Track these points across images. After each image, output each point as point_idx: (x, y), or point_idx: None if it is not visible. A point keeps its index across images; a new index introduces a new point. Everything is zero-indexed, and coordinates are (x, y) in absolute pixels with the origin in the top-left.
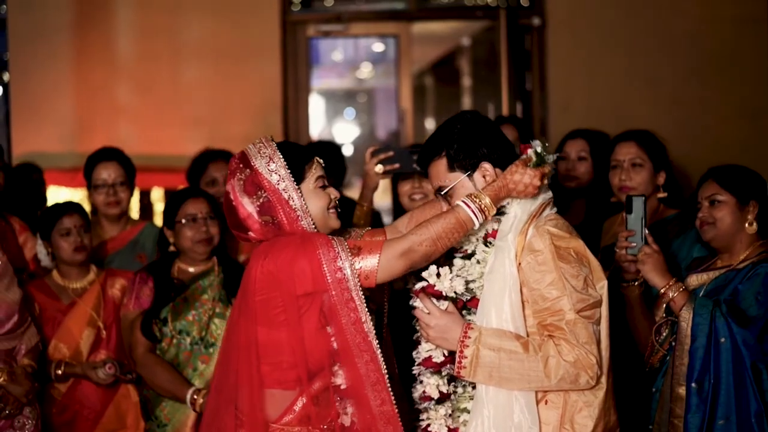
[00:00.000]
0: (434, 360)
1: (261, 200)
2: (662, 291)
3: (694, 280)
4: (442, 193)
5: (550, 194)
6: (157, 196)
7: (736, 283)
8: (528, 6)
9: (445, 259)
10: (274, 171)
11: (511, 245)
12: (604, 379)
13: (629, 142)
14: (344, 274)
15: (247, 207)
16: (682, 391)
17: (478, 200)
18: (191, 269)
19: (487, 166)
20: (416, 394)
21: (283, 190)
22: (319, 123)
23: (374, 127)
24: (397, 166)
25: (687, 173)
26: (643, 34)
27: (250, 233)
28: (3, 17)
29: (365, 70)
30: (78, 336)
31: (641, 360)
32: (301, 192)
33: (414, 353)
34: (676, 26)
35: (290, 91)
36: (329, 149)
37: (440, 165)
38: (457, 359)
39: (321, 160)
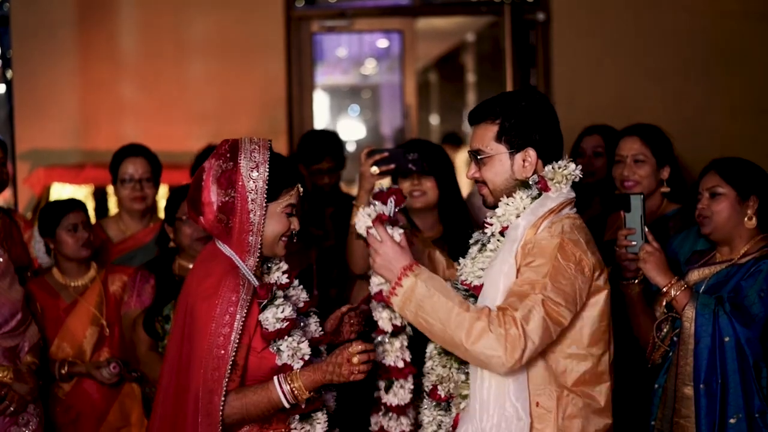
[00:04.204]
0: (384, 294)
1: (227, 198)
2: (664, 289)
3: (695, 275)
4: (478, 157)
5: (572, 194)
6: (162, 193)
7: (738, 278)
8: (532, 1)
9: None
10: (254, 180)
11: (519, 236)
12: (605, 382)
13: (633, 137)
14: (226, 352)
15: (212, 196)
16: (688, 390)
17: (292, 383)
18: (191, 266)
19: (531, 152)
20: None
21: (252, 200)
22: (323, 119)
23: (379, 123)
24: (392, 166)
25: (692, 169)
26: (648, 29)
27: (202, 219)
28: (6, 14)
29: (369, 66)
30: (81, 335)
31: (641, 357)
32: (266, 210)
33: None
34: (681, 21)
35: (294, 88)
36: (330, 138)
37: (489, 130)
38: (392, 286)
39: (302, 189)
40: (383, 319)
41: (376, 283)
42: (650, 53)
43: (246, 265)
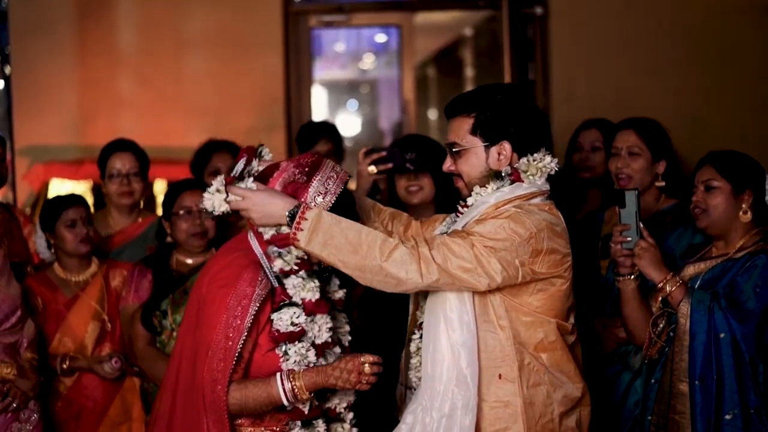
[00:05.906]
0: (288, 233)
1: None
2: (660, 285)
3: (691, 270)
4: (453, 149)
5: (546, 187)
6: (160, 189)
7: (734, 273)
8: None
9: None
10: (316, 204)
11: (479, 213)
12: (568, 345)
13: (628, 131)
14: (234, 344)
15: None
16: (683, 387)
17: (294, 381)
18: (189, 261)
19: (506, 146)
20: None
21: None
22: (321, 114)
23: (377, 118)
24: (390, 165)
25: (690, 164)
26: (647, 23)
27: None
28: (4, 10)
29: (368, 61)
30: (83, 330)
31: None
32: None
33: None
34: (679, 15)
35: (293, 83)
36: (325, 124)
37: (465, 123)
38: (297, 221)
39: None
40: (284, 260)
41: (267, 231)
42: (648, 47)
43: (269, 267)
